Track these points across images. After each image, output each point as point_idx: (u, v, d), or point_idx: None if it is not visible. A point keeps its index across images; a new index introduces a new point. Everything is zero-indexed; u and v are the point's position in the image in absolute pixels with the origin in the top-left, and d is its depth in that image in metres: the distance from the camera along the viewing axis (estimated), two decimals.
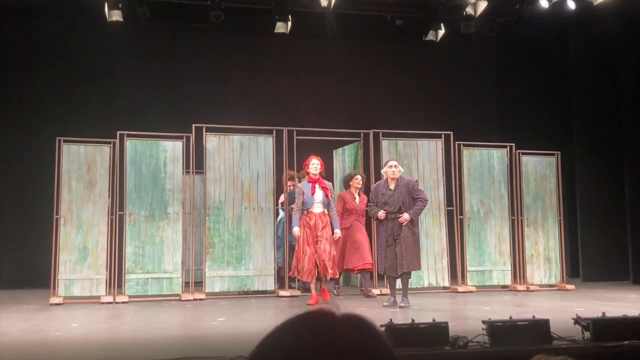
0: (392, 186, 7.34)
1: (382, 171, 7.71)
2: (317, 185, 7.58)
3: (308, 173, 7.68)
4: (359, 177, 8.76)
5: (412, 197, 7.28)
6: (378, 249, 7.41)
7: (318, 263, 7.33)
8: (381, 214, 7.26)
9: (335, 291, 8.53)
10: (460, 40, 11.09)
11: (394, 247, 7.20)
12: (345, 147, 9.84)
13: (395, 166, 7.43)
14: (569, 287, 9.33)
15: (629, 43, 10.60)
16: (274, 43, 10.83)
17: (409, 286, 7.54)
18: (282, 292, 8.55)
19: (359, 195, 8.73)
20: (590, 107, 10.95)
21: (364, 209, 8.39)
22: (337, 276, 8.02)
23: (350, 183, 8.72)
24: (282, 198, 9.12)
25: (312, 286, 7.51)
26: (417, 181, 7.69)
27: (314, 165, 7.62)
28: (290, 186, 8.79)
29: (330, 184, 8.00)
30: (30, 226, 9.83)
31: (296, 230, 7.44)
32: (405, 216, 7.16)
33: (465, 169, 9.46)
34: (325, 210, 7.57)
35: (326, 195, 7.57)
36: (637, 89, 10.52)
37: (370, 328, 0.99)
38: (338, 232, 7.63)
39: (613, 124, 10.70)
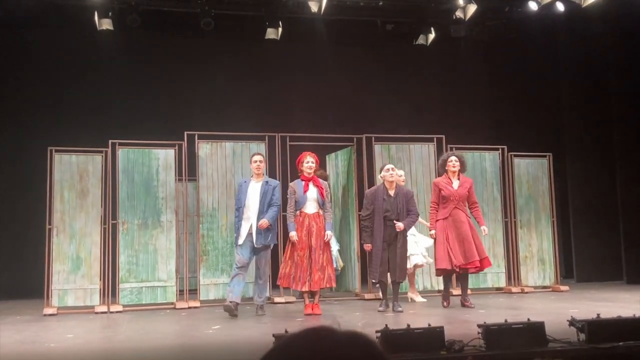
0: (391, 192, 7.32)
1: (379, 176, 7.64)
2: (310, 183, 7.25)
3: (302, 171, 7.32)
4: (453, 158, 7.75)
5: (407, 208, 7.31)
6: (374, 255, 7.26)
7: (311, 274, 7.03)
8: (367, 247, 7.22)
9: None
10: (450, 43, 11.13)
11: (387, 253, 7.21)
12: (339, 152, 9.85)
13: (393, 169, 7.46)
14: (563, 288, 9.35)
15: (618, 44, 10.67)
16: (265, 49, 10.85)
17: (404, 290, 7.54)
18: (277, 299, 8.54)
19: (458, 179, 7.72)
20: (580, 108, 11.01)
21: (465, 194, 7.64)
22: (333, 285, 7.47)
23: (446, 167, 7.74)
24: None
25: (305, 295, 7.23)
26: (413, 193, 7.72)
27: (308, 163, 7.27)
28: None
29: (326, 183, 7.60)
30: (23, 237, 9.79)
31: (293, 235, 7.10)
32: (400, 225, 7.17)
33: None
34: (320, 211, 7.23)
35: (321, 195, 7.22)
36: (627, 90, 10.58)
37: (372, 346, 0.98)
38: (329, 233, 7.24)
39: (604, 125, 10.75)
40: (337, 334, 0.98)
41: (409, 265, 7.94)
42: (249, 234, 7.22)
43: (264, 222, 7.15)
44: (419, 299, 8.32)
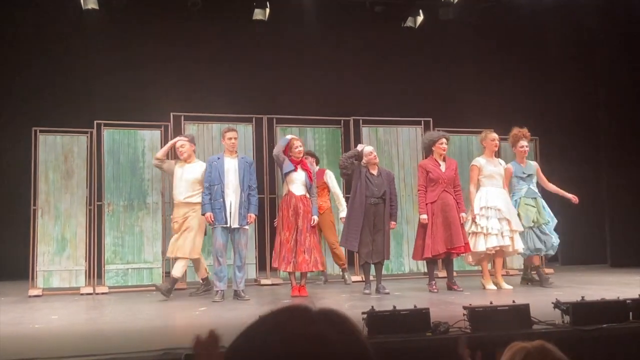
0: (374, 172, 7.38)
1: (362, 162, 7.65)
2: (299, 166, 7.28)
3: (290, 156, 7.30)
4: (444, 140, 7.59)
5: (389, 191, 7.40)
6: (354, 229, 7.20)
7: (296, 255, 7.05)
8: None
9: (323, 281, 8.52)
10: (439, 26, 11.08)
11: (372, 234, 7.23)
12: (316, 129, 9.59)
13: (374, 151, 7.56)
14: (548, 271, 9.39)
15: (607, 27, 10.67)
16: (252, 30, 10.73)
17: (390, 272, 7.56)
18: (263, 281, 8.54)
19: (444, 160, 7.63)
20: (568, 91, 11.04)
21: (453, 176, 7.52)
22: (323, 269, 7.57)
23: (433, 148, 7.59)
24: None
25: (292, 277, 7.26)
26: (394, 176, 7.81)
27: (298, 148, 7.27)
28: None
29: (314, 167, 7.61)
30: (7, 218, 9.70)
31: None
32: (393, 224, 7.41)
33: None
34: (307, 194, 7.25)
35: (309, 178, 7.26)
36: (615, 74, 10.61)
37: (344, 321, 1.01)
38: (315, 218, 7.22)
39: (591, 109, 10.79)
40: (312, 311, 1.02)
41: (482, 247, 7.42)
42: (230, 213, 7.07)
43: (252, 217, 7.19)
44: (505, 285, 7.51)
